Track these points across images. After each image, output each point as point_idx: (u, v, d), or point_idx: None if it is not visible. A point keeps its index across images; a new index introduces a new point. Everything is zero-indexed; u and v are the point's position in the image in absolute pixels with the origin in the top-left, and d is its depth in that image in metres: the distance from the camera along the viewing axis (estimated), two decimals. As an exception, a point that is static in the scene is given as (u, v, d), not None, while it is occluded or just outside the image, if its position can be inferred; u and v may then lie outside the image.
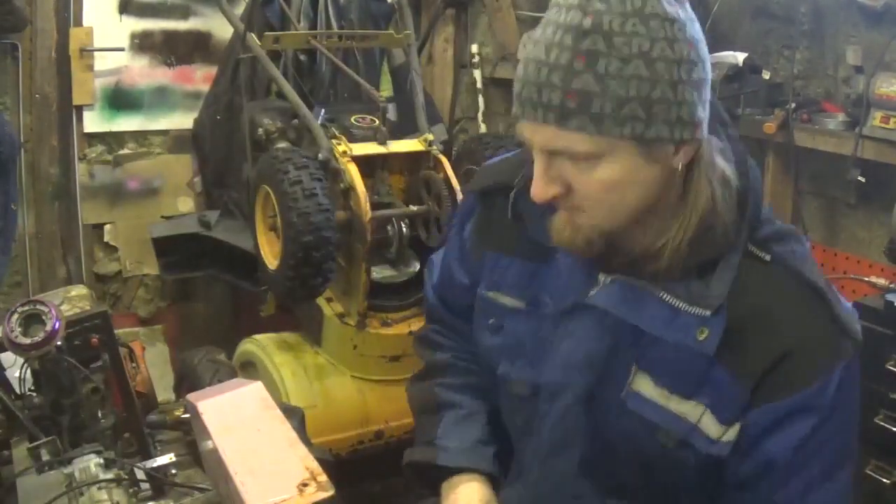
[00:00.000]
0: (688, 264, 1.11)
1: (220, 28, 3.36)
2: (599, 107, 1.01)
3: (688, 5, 1.09)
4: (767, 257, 1.12)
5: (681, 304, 1.11)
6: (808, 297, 1.11)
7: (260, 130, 2.66)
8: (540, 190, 1.09)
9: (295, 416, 1.90)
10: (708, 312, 1.10)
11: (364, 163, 2.26)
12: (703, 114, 1.07)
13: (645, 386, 1.15)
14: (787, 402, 1.08)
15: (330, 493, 1.17)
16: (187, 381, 2.46)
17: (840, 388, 1.09)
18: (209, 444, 1.30)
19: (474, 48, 3.56)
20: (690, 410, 1.13)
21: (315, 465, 1.21)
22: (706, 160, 1.11)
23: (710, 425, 1.12)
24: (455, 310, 1.46)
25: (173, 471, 1.51)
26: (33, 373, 1.65)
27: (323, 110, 2.52)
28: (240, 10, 3.11)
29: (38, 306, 1.56)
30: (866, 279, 2.08)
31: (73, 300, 1.91)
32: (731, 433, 1.12)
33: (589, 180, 1.07)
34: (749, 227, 1.13)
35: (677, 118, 1.04)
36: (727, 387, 1.11)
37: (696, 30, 1.08)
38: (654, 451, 1.16)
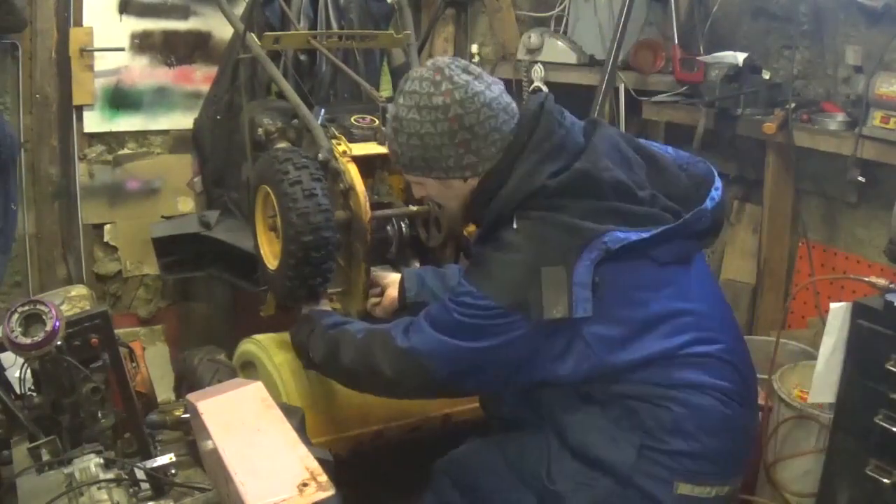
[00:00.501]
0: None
1: (220, 28, 3.37)
2: (403, 160, 1.73)
3: (470, 84, 1.64)
4: (516, 226, 1.62)
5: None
6: (514, 263, 1.60)
7: (260, 130, 2.65)
8: (414, 191, 1.87)
9: (295, 416, 1.90)
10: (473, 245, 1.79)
11: (364, 163, 2.26)
12: (472, 157, 1.67)
13: None
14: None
15: (330, 493, 1.17)
16: (187, 381, 2.46)
17: (485, 310, 1.61)
18: (209, 444, 1.30)
19: (474, 48, 3.56)
20: None
21: (315, 465, 1.21)
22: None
23: None
24: None
25: (173, 471, 1.51)
26: (33, 373, 1.66)
27: (323, 110, 2.52)
28: (240, 10, 3.11)
29: (38, 306, 1.57)
30: (866, 279, 2.08)
31: (73, 300, 1.92)
32: None
33: (427, 192, 1.80)
34: (508, 203, 1.64)
35: (447, 166, 1.68)
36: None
37: (466, 104, 1.63)
38: None
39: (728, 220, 3.14)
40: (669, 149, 1.85)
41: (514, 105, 1.71)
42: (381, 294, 2.21)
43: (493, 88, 1.67)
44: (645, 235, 1.62)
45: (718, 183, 1.78)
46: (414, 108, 1.66)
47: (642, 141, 1.83)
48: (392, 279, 2.20)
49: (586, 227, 1.58)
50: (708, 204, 1.73)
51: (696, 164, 1.81)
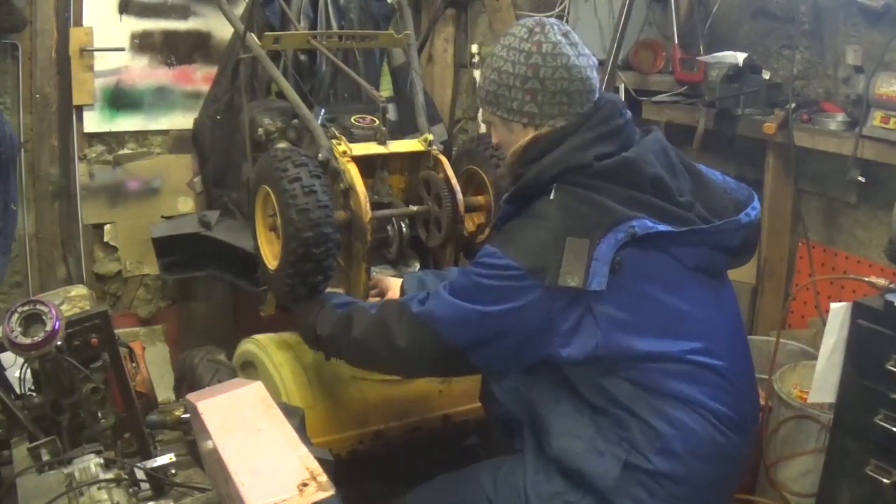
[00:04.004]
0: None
1: (220, 28, 3.37)
2: (482, 92, 1.82)
3: (561, 44, 1.72)
4: (552, 197, 1.67)
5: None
6: (544, 228, 1.63)
7: (260, 130, 2.66)
8: (494, 139, 1.91)
9: (295, 416, 1.90)
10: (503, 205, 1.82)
11: (364, 163, 2.26)
12: (534, 107, 1.73)
13: None
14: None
15: (330, 493, 1.17)
16: (187, 381, 2.46)
17: (503, 270, 1.64)
18: (209, 444, 1.30)
19: (474, 48, 3.56)
20: None
21: (315, 465, 1.21)
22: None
23: None
24: None
25: (173, 471, 1.51)
26: (33, 373, 1.65)
27: (323, 110, 2.52)
28: (240, 10, 3.11)
29: (38, 306, 1.56)
30: (866, 279, 2.08)
31: (73, 300, 1.91)
32: None
33: (497, 133, 1.86)
34: (549, 169, 1.69)
35: (510, 108, 1.76)
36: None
37: (549, 60, 1.71)
38: None
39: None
40: (717, 173, 1.89)
41: (595, 84, 1.76)
42: (381, 296, 2.21)
43: (581, 59, 1.73)
44: (673, 229, 1.65)
45: (756, 204, 1.83)
46: (504, 47, 1.75)
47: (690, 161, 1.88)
48: (393, 282, 2.21)
49: (618, 210, 1.62)
50: (742, 218, 1.77)
51: (740, 189, 1.86)
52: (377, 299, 2.22)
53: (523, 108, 1.74)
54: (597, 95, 1.76)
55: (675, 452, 1.65)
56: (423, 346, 1.74)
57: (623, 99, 3.08)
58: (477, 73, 3.57)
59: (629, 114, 1.80)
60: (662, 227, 1.64)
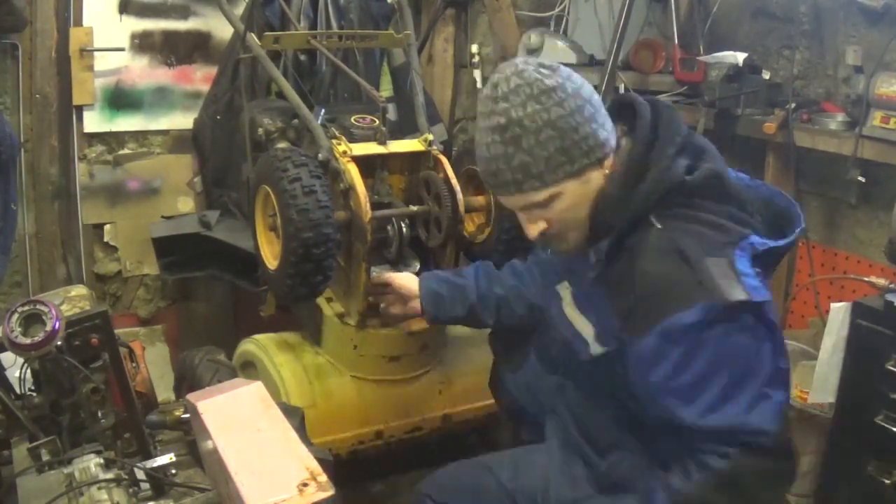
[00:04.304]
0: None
1: (220, 28, 3.37)
2: (536, 169, 1.46)
3: (560, 68, 1.49)
4: (660, 226, 1.47)
5: (589, 253, 1.56)
6: (676, 261, 1.43)
7: (260, 130, 2.66)
8: (531, 233, 1.57)
9: (295, 416, 1.90)
10: (593, 259, 1.54)
11: (364, 163, 2.26)
12: (605, 131, 1.49)
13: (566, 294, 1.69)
14: (649, 338, 1.42)
15: (330, 493, 1.17)
16: (187, 381, 2.46)
17: (707, 327, 1.39)
18: (209, 444, 1.30)
19: (474, 48, 3.56)
20: (582, 323, 1.62)
21: (315, 465, 1.21)
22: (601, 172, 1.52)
23: (592, 340, 1.59)
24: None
25: (173, 471, 1.51)
26: (33, 373, 1.65)
27: (323, 110, 2.52)
28: (240, 10, 3.11)
29: (38, 306, 1.56)
30: (866, 279, 2.08)
31: (73, 300, 1.91)
32: (603, 349, 1.57)
33: (555, 214, 1.52)
34: (649, 199, 1.48)
35: (588, 148, 1.47)
36: (609, 315, 1.53)
37: (573, 80, 1.48)
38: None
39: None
40: (746, 176, 1.73)
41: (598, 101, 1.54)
42: (392, 293, 2.11)
43: (581, 83, 1.51)
44: (781, 244, 1.52)
45: (802, 218, 1.64)
46: (530, 100, 1.45)
47: None
48: (408, 283, 2.07)
49: (730, 227, 1.48)
50: (799, 233, 1.62)
51: (758, 186, 1.70)
52: (391, 296, 2.11)
53: (600, 138, 1.48)
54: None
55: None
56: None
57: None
58: (477, 73, 3.56)
59: None
60: (772, 243, 1.50)
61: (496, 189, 1.54)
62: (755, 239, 1.49)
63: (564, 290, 1.69)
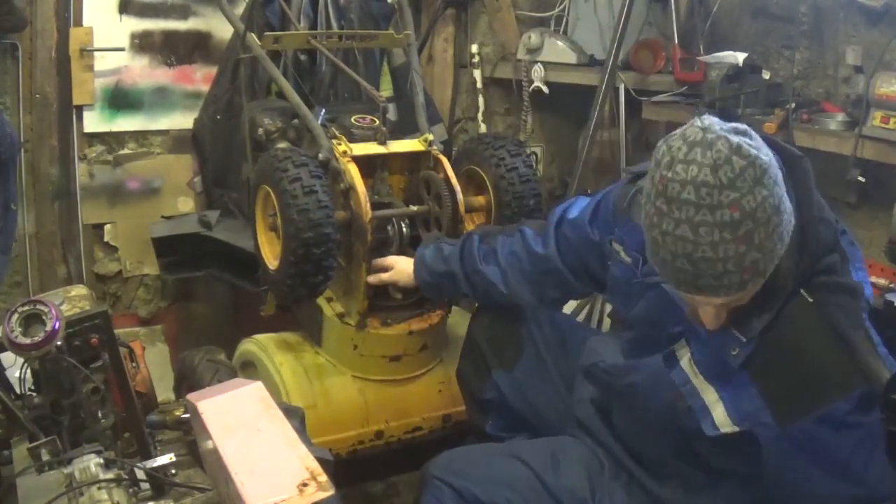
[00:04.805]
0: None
1: (220, 28, 3.36)
2: (763, 265, 1.29)
3: (748, 129, 1.31)
4: (811, 300, 1.37)
5: (731, 326, 1.41)
6: (834, 341, 1.35)
7: (260, 130, 2.66)
8: (714, 325, 1.41)
9: (295, 416, 1.90)
10: (744, 339, 1.40)
11: (364, 163, 2.26)
12: (781, 246, 1.31)
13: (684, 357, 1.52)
14: (805, 423, 1.37)
15: (330, 493, 1.17)
16: (187, 381, 2.46)
17: (863, 413, 1.35)
18: (209, 444, 1.30)
19: (474, 48, 3.56)
20: (710, 394, 1.47)
21: (315, 465, 1.21)
22: None
23: (721, 416, 1.46)
24: (561, 246, 1.88)
25: (173, 471, 1.51)
26: (33, 373, 1.65)
27: (323, 110, 2.52)
28: (240, 10, 3.10)
29: (38, 306, 1.56)
30: (866, 279, 2.08)
31: (73, 300, 1.91)
32: (734, 428, 1.45)
33: (740, 303, 1.37)
34: (803, 273, 1.37)
35: (775, 255, 1.30)
36: (749, 395, 1.42)
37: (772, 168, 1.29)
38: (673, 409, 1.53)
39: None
40: None
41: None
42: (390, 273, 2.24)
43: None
44: (868, 291, 1.46)
45: None
46: (758, 185, 1.25)
47: None
48: (402, 261, 2.22)
49: (855, 283, 1.41)
50: None
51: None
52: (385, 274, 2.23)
53: (777, 249, 1.31)
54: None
55: None
56: None
57: (623, 99, 3.10)
58: (477, 73, 3.56)
59: None
60: (869, 290, 1.45)
61: (704, 289, 1.31)
62: (868, 291, 1.44)
63: (682, 350, 1.53)
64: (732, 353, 1.41)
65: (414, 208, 2.32)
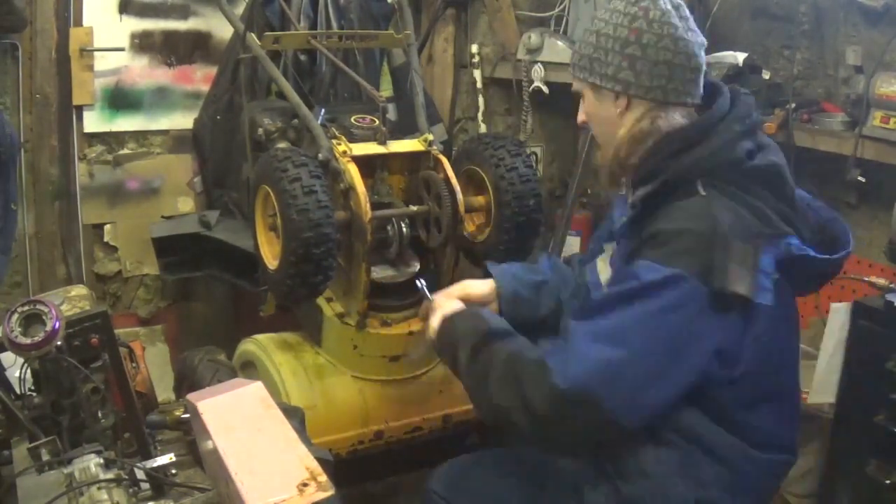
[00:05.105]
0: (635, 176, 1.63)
1: (220, 28, 3.36)
2: (574, 59, 1.68)
3: (661, 4, 1.57)
4: (704, 193, 1.50)
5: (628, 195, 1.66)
6: (701, 225, 1.46)
7: (260, 130, 2.66)
8: (579, 119, 1.74)
9: (295, 416, 1.90)
10: (630, 205, 1.63)
11: (364, 163, 2.26)
12: (632, 79, 1.59)
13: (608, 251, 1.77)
14: (627, 267, 1.52)
15: (330, 493, 1.17)
16: (187, 381, 2.46)
17: (662, 285, 1.44)
18: (209, 444, 1.30)
19: (474, 48, 3.56)
20: (607, 271, 1.73)
21: (315, 465, 1.21)
22: (635, 114, 1.61)
23: (603, 269, 1.75)
24: None
25: (173, 471, 1.51)
26: (33, 373, 1.65)
27: (323, 110, 2.52)
28: (240, 10, 3.11)
29: (38, 306, 1.56)
30: (866, 279, 2.08)
31: (73, 300, 1.91)
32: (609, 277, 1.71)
33: (585, 106, 1.70)
34: (700, 163, 1.52)
35: (603, 73, 1.61)
36: (622, 249, 1.64)
37: (652, 25, 1.56)
38: None
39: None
40: (808, 195, 1.72)
41: (702, 63, 1.61)
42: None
43: (689, 34, 1.59)
44: (818, 256, 1.52)
45: (850, 244, 1.64)
46: (608, 11, 1.62)
47: None
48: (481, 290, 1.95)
49: (776, 221, 1.49)
50: (844, 252, 1.62)
51: (819, 208, 1.70)
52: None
53: (618, 75, 1.60)
54: (702, 77, 1.61)
55: (743, 488, 1.58)
56: (566, 418, 1.50)
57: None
58: (477, 73, 3.56)
59: None
60: (811, 252, 1.51)
61: (573, 67, 1.70)
62: (794, 241, 1.49)
63: (608, 247, 1.76)
64: (622, 221, 1.66)
65: (414, 208, 2.32)
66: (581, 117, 1.73)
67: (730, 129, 1.54)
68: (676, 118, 1.60)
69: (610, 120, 1.65)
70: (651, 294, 1.46)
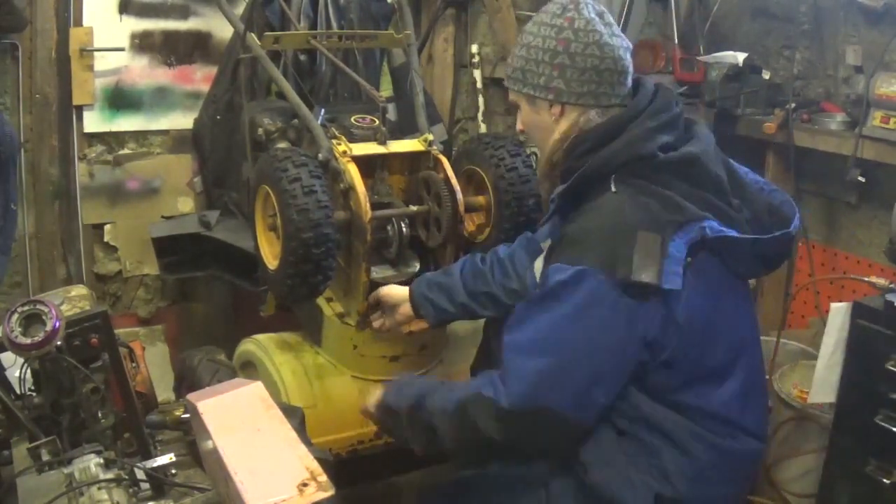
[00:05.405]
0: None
1: (220, 28, 3.36)
2: (508, 71, 1.76)
3: (585, 13, 1.66)
4: (615, 190, 1.57)
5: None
6: (609, 221, 1.54)
7: (260, 130, 2.66)
8: (517, 126, 1.83)
9: (295, 416, 1.90)
10: (550, 203, 1.75)
11: (364, 163, 2.26)
12: (564, 87, 1.67)
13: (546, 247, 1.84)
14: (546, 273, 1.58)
15: (330, 493, 1.17)
16: (187, 381, 2.46)
17: (572, 284, 1.51)
18: (209, 444, 1.30)
19: (474, 48, 3.56)
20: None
21: (315, 465, 1.21)
22: (569, 119, 1.70)
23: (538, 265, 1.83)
24: None
25: (173, 471, 1.51)
26: (33, 373, 1.65)
27: (323, 110, 2.52)
28: (240, 10, 3.11)
29: (38, 306, 1.56)
30: (866, 279, 2.08)
31: (73, 300, 1.91)
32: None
33: (522, 115, 1.78)
34: (611, 161, 1.59)
35: (536, 83, 1.69)
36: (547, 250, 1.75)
37: (577, 34, 1.65)
38: None
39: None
40: (749, 171, 1.80)
41: (629, 66, 1.70)
42: (384, 311, 2.22)
43: (614, 39, 1.67)
44: (738, 236, 1.58)
45: (798, 216, 1.72)
46: (536, 24, 1.71)
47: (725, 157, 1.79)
48: (397, 295, 2.16)
49: (689, 207, 1.54)
50: (792, 230, 1.68)
51: (772, 191, 1.76)
52: (380, 321, 2.22)
53: (550, 84, 1.68)
54: (629, 78, 1.70)
55: (709, 479, 1.60)
56: (522, 434, 1.58)
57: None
58: (477, 73, 3.57)
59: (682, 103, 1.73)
60: (731, 232, 1.56)
61: (507, 79, 1.79)
62: (710, 223, 1.53)
63: (545, 245, 1.83)
64: (544, 219, 1.80)
65: (414, 208, 2.32)
66: (519, 126, 1.82)
67: (642, 125, 1.61)
68: (594, 118, 1.69)
69: (546, 127, 1.74)
70: (563, 295, 1.53)
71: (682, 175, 1.58)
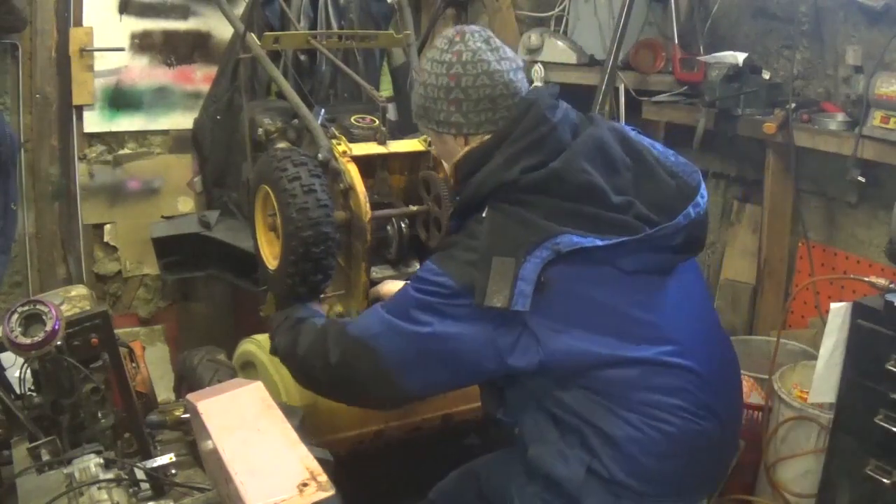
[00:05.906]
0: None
1: (220, 28, 3.37)
2: (413, 108, 1.83)
3: (471, 44, 1.72)
4: (484, 215, 1.66)
5: None
6: (469, 244, 1.64)
7: (260, 130, 2.66)
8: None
9: (295, 416, 1.90)
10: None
11: (364, 163, 2.25)
12: (462, 119, 1.73)
13: None
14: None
15: (330, 493, 1.17)
16: (187, 381, 2.46)
17: (434, 284, 1.64)
18: (209, 444, 1.30)
19: (474, 48, 3.56)
20: None
21: (315, 465, 1.21)
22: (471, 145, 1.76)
23: None
24: None
25: (173, 471, 1.51)
26: (33, 373, 1.66)
27: (323, 110, 2.52)
28: (240, 10, 3.11)
29: (38, 306, 1.56)
30: (866, 279, 2.08)
31: (73, 300, 1.91)
32: None
33: (434, 145, 1.90)
34: (479, 190, 1.68)
35: (438, 119, 1.76)
36: None
37: (466, 67, 1.70)
38: None
39: (729, 221, 3.15)
40: (671, 153, 1.80)
41: (520, 86, 1.74)
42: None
43: (502, 64, 1.72)
44: (599, 243, 1.60)
45: (700, 200, 1.72)
46: (429, 61, 1.76)
47: (641, 140, 1.80)
48: (392, 288, 2.18)
49: (543, 226, 1.60)
50: (681, 220, 1.67)
51: (690, 174, 1.76)
52: None
53: (450, 119, 1.74)
54: (521, 95, 1.74)
55: (635, 458, 1.62)
56: (355, 362, 1.72)
57: (623, 99, 3.10)
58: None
59: (561, 111, 1.73)
60: (588, 242, 1.59)
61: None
62: (564, 239, 1.58)
63: None
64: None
65: (414, 208, 2.32)
66: (434, 152, 1.97)
67: (504, 152, 1.68)
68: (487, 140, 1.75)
69: (455, 155, 1.79)
70: (430, 293, 1.65)
71: (548, 191, 1.63)
